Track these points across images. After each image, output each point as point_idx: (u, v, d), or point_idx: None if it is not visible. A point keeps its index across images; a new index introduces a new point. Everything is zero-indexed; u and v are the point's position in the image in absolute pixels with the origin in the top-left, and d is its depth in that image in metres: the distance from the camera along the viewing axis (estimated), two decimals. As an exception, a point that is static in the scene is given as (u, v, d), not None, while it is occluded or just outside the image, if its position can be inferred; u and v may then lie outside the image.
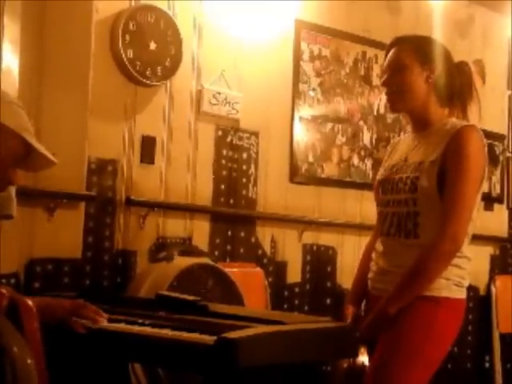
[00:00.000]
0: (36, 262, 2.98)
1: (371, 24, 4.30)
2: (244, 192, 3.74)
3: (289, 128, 3.94)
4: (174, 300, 2.39)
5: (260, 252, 3.80)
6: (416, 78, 2.39)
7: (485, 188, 2.40)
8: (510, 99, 5.25)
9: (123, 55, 3.20)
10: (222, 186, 3.64)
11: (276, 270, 3.86)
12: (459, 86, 2.44)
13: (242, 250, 3.71)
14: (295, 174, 3.95)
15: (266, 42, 3.82)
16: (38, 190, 2.95)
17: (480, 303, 4.90)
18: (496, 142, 5.04)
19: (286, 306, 3.88)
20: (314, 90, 4.04)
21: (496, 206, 5.10)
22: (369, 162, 4.30)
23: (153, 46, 3.31)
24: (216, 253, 3.58)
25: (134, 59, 3.24)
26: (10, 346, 1.58)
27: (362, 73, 4.29)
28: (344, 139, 4.19)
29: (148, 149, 3.35)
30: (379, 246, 2.47)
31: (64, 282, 3.05)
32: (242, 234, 3.72)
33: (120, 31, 3.19)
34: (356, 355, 2.39)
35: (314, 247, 4.04)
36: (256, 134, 3.79)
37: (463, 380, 4.82)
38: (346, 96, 4.20)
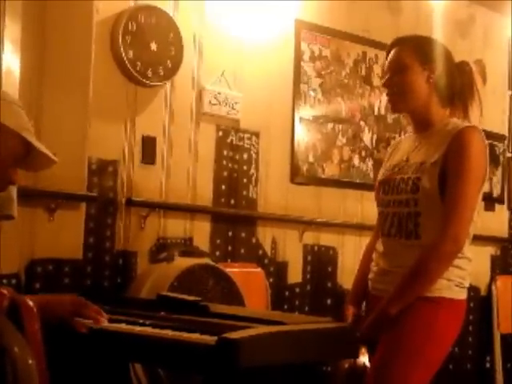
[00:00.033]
0: (37, 262, 2.98)
1: (371, 24, 4.30)
2: (245, 192, 3.74)
3: (289, 128, 3.94)
4: (175, 300, 2.39)
5: (261, 252, 3.80)
6: (417, 78, 2.39)
7: (485, 188, 2.40)
8: (511, 99, 5.25)
9: (124, 55, 3.20)
10: (223, 187, 3.64)
11: (277, 270, 3.86)
12: (460, 85, 2.44)
13: (242, 251, 3.71)
14: (296, 175, 3.95)
15: (267, 42, 3.82)
16: (39, 191, 2.95)
17: (481, 304, 4.90)
18: (496, 143, 5.04)
19: (286, 307, 3.87)
20: (314, 90, 4.04)
21: (497, 206, 5.10)
22: (369, 163, 4.30)
23: (153, 46, 3.31)
24: (217, 253, 3.58)
25: (135, 59, 3.24)
26: (10, 346, 1.58)
27: (363, 73, 4.29)
28: (344, 139, 4.19)
29: (149, 149, 3.35)
30: (380, 247, 2.47)
31: (65, 282, 3.05)
32: (243, 235, 3.72)
33: (120, 32, 3.19)
34: (357, 356, 2.39)
35: (315, 247, 4.04)
36: (256, 135, 3.79)
37: (464, 380, 4.82)
38: (346, 96, 4.20)
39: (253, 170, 3.77)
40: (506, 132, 5.19)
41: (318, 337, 2.10)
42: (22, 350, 1.61)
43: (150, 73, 3.29)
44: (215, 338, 1.84)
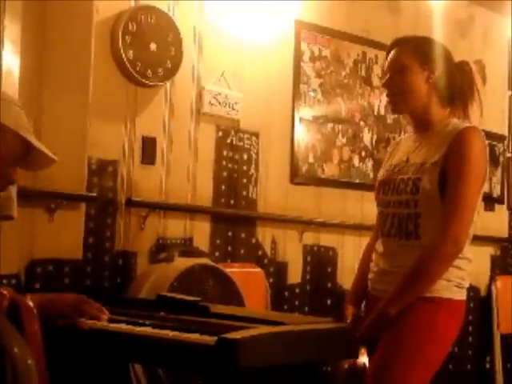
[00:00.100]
0: (37, 262, 2.98)
1: (371, 24, 4.30)
2: (244, 193, 3.74)
3: (289, 128, 3.94)
4: (175, 301, 2.39)
5: (260, 253, 3.80)
6: (416, 78, 2.39)
7: (485, 188, 2.40)
8: (510, 100, 5.25)
9: (123, 56, 3.20)
10: (223, 187, 3.64)
11: (276, 270, 3.86)
12: (460, 85, 2.44)
13: (242, 251, 3.71)
14: (295, 175, 3.95)
15: (267, 42, 3.82)
16: (39, 191, 2.95)
17: (481, 304, 4.90)
18: (496, 143, 5.04)
19: (286, 307, 3.87)
20: (314, 90, 4.04)
21: (496, 206, 5.10)
22: (369, 163, 4.29)
23: (153, 46, 3.31)
24: (216, 253, 3.58)
25: (135, 60, 3.24)
26: (10, 346, 1.58)
27: (363, 73, 4.29)
28: (344, 140, 4.19)
29: (148, 149, 3.35)
30: (379, 247, 2.47)
31: (65, 282, 3.05)
32: (243, 235, 3.72)
33: (120, 32, 3.19)
34: (357, 356, 2.39)
35: (315, 248, 4.04)
36: (256, 135, 3.79)
37: (464, 381, 4.82)
38: (346, 96, 4.20)
39: (253, 171, 3.77)
40: (505, 132, 5.19)
41: (318, 337, 2.10)
42: (22, 350, 1.61)
43: (149, 73, 3.29)
44: (215, 338, 1.84)
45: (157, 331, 2.00)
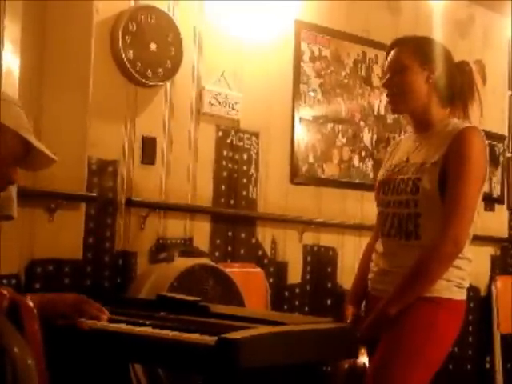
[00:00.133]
0: (37, 262, 2.98)
1: (371, 24, 4.30)
2: (244, 193, 3.74)
3: (289, 129, 3.94)
4: (175, 301, 2.39)
5: (260, 253, 3.80)
6: (416, 78, 2.39)
7: (485, 188, 2.40)
8: (510, 100, 5.25)
9: (123, 56, 3.20)
10: (223, 187, 3.64)
11: (276, 270, 3.86)
12: (460, 85, 2.44)
13: (242, 251, 3.71)
14: (295, 175, 3.95)
15: (267, 42, 3.82)
16: (39, 191, 2.95)
17: (481, 304, 4.90)
18: (496, 143, 5.04)
19: (286, 307, 3.87)
20: (314, 90, 4.04)
21: (496, 206, 5.10)
22: (369, 163, 4.29)
23: (153, 46, 3.31)
24: (216, 253, 3.58)
25: (135, 60, 3.24)
26: (10, 346, 1.58)
27: (363, 73, 4.29)
28: (344, 140, 4.19)
29: (148, 149, 3.35)
30: (379, 247, 2.47)
31: (65, 282, 3.05)
32: (243, 235, 3.72)
33: (120, 32, 3.19)
34: (357, 356, 2.39)
35: (315, 248, 4.04)
36: (256, 135, 3.79)
37: (464, 381, 4.82)
38: (346, 96, 4.20)
39: (253, 171, 3.77)
40: (505, 132, 5.19)
41: (318, 337, 2.10)
42: (22, 351, 1.61)
43: (149, 73, 3.29)
44: (215, 338, 1.84)
45: (157, 331, 2.00)
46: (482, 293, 4.95)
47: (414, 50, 2.41)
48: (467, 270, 2.36)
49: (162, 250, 3.35)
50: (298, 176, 3.96)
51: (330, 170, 4.11)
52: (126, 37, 3.22)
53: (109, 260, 3.21)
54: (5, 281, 2.79)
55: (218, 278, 3.18)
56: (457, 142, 2.29)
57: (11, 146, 1.81)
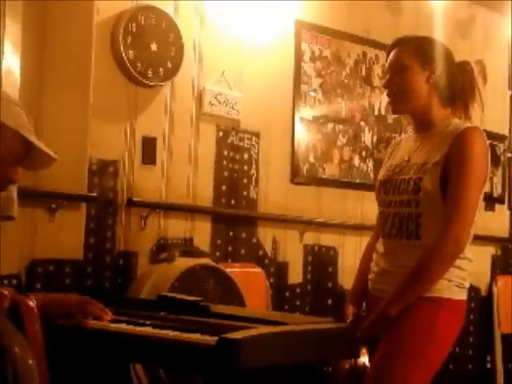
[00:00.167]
0: (37, 263, 2.98)
1: (372, 24, 4.30)
2: (245, 193, 3.74)
3: (290, 128, 3.94)
4: (176, 301, 2.39)
5: (261, 253, 3.80)
6: (417, 78, 2.39)
7: (486, 188, 2.40)
8: (511, 99, 5.25)
9: (124, 56, 3.20)
10: (223, 187, 3.64)
11: (277, 270, 3.86)
12: (461, 85, 2.44)
13: (243, 251, 3.71)
14: (296, 175, 3.95)
15: (267, 42, 3.82)
16: (39, 191, 2.95)
17: (481, 304, 4.90)
18: (497, 143, 5.04)
19: (287, 307, 3.87)
20: (314, 90, 4.05)
21: (497, 206, 5.10)
22: (370, 163, 4.29)
23: (154, 46, 3.31)
24: (217, 253, 3.58)
25: (135, 60, 3.24)
26: (11, 346, 1.58)
27: (363, 73, 4.29)
28: (345, 140, 4.19)
29: (149, 149, 3.35)
30: (380, 247, 2.46)
31: (65, 283, 3.05)
32: (243, 235, 3.72)
33: (121, 32, 3.19)
34: (357, 356, 2.39)
35: (315, 248, 4.04)
36: (257, 135, 3.79)
37: (465, 380, 4.82)
38: (346, 96, 4.20)
39: (253, 171, 3.77)
40: (506, 132, 5.19)
41: (319, 337, 2.10)
42: (23, 351, 1.61)
43: (150, 73, 3.29)
44: (216, 338, 1.84)
45: (157, 331, 2.00)
46: (483, 293, 4.94)
47: (414, 50, 2.41)
48: (468, 270, 2.36)
49: (162, 250, 3.35)
50: (298, 176, 3.96)
51: (331, 170, 4.11)
52: (127, 37, 3.22)
53: (109, 260, 3.22)
54: (5, 281, 2.80)
55: (218, 278, 3.18)
56: (458, 143, 2.29)
57: (12, 146, 1.81)
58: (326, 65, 4.10)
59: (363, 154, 4.27)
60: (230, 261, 3.63)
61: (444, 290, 2.30)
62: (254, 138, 3.77)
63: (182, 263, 3.18)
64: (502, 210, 5.15)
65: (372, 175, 4.22)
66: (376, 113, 4.35)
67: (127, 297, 3.09)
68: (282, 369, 2.08)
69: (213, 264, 3.25)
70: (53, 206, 3.00)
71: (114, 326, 2.05)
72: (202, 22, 3.57)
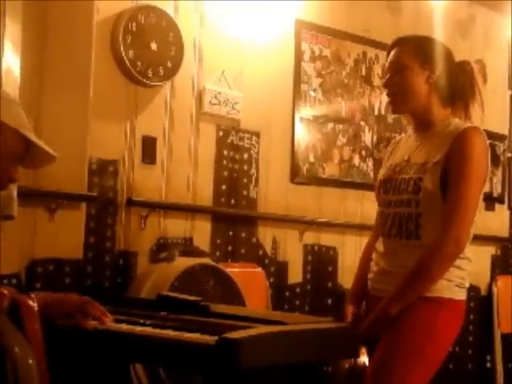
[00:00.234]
0: (37, 262, 2.98)
1: (372, 24, 4.30)
2: (245, 192, 3.74)
3: (290, 128, 3.94)
4: (175, 300, 2.39)
5: (261, 252, 3.80)
6: (416, 78, 2.39)
7: (486, 188, 2.40)
8: (511, 99, 5.25)
9: (124, 55, 3.20)
10: (223, 187, 3.64)
11: (277, 270, 3.86)
12: (461, 85, 2.43)
13: (243, 251, 3.71)
14: (296, 175, 3.95)
15: (267, 42, 3.82)
16: (39, 191, 2.95)
17: (481, 303, 4.90)
18: (497, 142, 5.04)
19: (287, 307, 3.87)
20: (314, 90, 4.05)
21: (497, 206, 5.10)
22: (370, 163, 4.30)
23: (154, 46, 3.31)
24: (217, 253, 3.58)
25: (135, 59, 3.24)
26: (11, 346, 1.58)
27: (363, 73, 4.29)
28: (345, 139, 4.19)
29: (149, 149, 3.35)
30: (380, 247, 2.46)
31: (65, 282, 3.05)
32: (243, 235, 3.72)
33: (121, 31, 3.19)
34: (357, 356, 2.39)
35: (315, 247, 4.04)
36: (257, 134, 3.79)
37: (464, 380, 4.82)
38: (346, 96, 4.20)
39: (253, 170, 3.77)
40: (506, 132, 5.19)
41: (319, 337, 2.10)
42: (23, 350, 1.61)
43: (150, 73, 3.29)
44: (215, 337, 1.84)
45: (157, 331, 2.00)
46: (483, 292, 4.95)
47: (414, 49, 2.41)
48: (468, 270, 2.36)
49: (162, 249, 3.35)
50: (298, 176, 3.96)
51: (331, 170, 4.11)
52: (127, 36, 3.22)
53: (109, 260, 3.22)
54: (5, 280, 2.80)
55: (218, 278, 3.18)
56: (458, 142, 2.29)
57: (12, 145, 1.81)
58: (326, 64, 4.10)
59: (363, 153, 4.27)
60: (229, 260, 3.63)
61: (444, 289, 2.30)
62: (253, 138, 3.77)
63: (182, 263, 3.18)
64: (501, 209, 5.15)
65: (372, 175, 4.22)
66: (376, 112, 4.35)
67: (127, 296, 3.09)
68: (282, 368, 2.08)
69: (213, 264, 3.25)
70: (53, 205, 3.00)
71: (113, 325, 2.05)
72: (202, 22, 3.57)
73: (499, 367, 4.88)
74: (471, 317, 4.73)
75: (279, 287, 3.86)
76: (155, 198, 3.37)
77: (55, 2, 3.01)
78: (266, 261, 3.81)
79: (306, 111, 4.00)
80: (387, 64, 2.48)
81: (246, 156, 3.74)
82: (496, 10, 5.02)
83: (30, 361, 1.61)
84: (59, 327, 1.97)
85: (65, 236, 3.05)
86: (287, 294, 3.91)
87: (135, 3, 3.31)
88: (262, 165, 3.81)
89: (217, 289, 3.15)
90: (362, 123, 4.28)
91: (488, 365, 4.94)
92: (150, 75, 3.29)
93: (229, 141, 3.67)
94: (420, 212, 2.32)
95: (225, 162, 3.65)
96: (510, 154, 5.20)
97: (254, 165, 3.77)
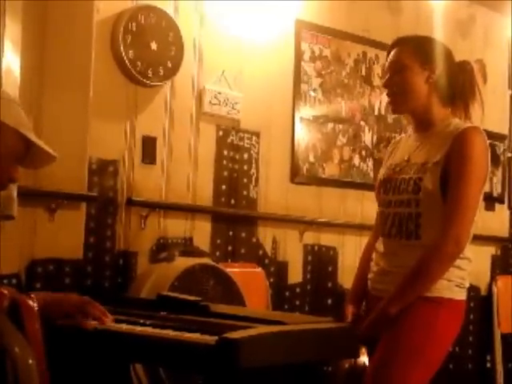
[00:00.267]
0: (37, 262, 2.98)
1: (372, 24, 4.30)
2: (245, 192, 3.74)
3: (290, 128, 3.94)
4: (175, 300, 2.39)
5: (261, 252, 3.80)
6: (416, 78, 2.39)
7: (486, 188, 2.40)
8: (511, 99, 5.25)
9: (124, 55, 3.20)
10: (223, 186, 3.64)
11: (277, 270, 3.86)
12: (461, 85, 2.43)
13: (243, 251, 3.71)
14: (296, 174, 3.95)
15: (267, 42, 3.82)
16: (39, 191, 2.95)
17: (481, 303, 4.90)
18: (497, 142, 5.04)
19: (286, 307, 3.87)
20: (314, 90, 4.05)
21: (497, 206, 5.10)
22: (370, 163, 4.29)
23: (154, 46, 3.31)
24: (217, 253, 3.58)
25: (135, 59, 3.24)
26: (11, 346, 1.58)
27: (363, 73, 4.29)
28: (345, 139, 4.19)
29: (149, 149, 3.35)
30: (380, 247, 2.46)
31: (65, 282, 3.05)
32: (243, 235, 3.72)
33: (121, 31, 3.19)
34: (357, 356, 2.39)
35: (315, 247, 4.04)
36: (257, 134, 3.79)
37: (464, 380, 4.82)
38: (346, 96, 4.20)
39: (253, 170, 3.77)
40: (506, 132, 5.19)
41: (319, 337, 2.10)
42: (23, 350, 1.61)
43: (150, 72, 3.29)
44: (215, 337, 1.84)
45: (157, 331, 2.00)
46: (483, 292, 4.95)
47: (414, 49, 2.41)
48: (467, 270, 2.36)
49: (162, 249, 3.35)
50: (298, 176, 3.96)
51: (331, 170, 4.11)
52: (127, 36, 3.22)
53: (109, 260, 3.22)
54: (5, 280, 2.80)
55: (218, 278, 3.18)
56: (458, 142, 2.29)
57: (12, 144, 1.81)
58: (326, 64, 4.10)
59: (363, 153, 4.27)
60: (229, 260, 3.63)
61: (444, 289, 2.30)
62: (253, 138, 3.77)
63: (182, 263, 3.18)
64: (501, 209, 5.15)
65: (372, 175, 4.22)
66: (376, 112, 4.35)
67: (127, 296, 3.09)
68: (282, 368, 2.08)
69: (213, 264, 3.25)
70: (53, 205, 3.00)
71: (113, 325, 2.05)
72: (202, 22, 3.57)
73: (499, 367, 4.88)
74: (471, 317, 4.73)
75: (279, 287, 3.86)
76: (155, 198, 3.37)
77: (55, 2, 3.01)
78: (266, 261, 3.81)
79: (306, 111, 4.00)
80: (387, 64, 2.48)
81: (246, 156, 3.74)
82: (496, 9, 5.02)
83: (30, 361, 1.61)
84: (59, 327, 1.97)
85: (65, 236, 3.05)
86: (287, 294, 3.91)
87: (135, 3, 3.31)
88: (262, 165, 3.81)
89: (217, 289, 3.15)
90: (362, 123, 4.28)
91: (488, 365, 4.94)
92: (150, 75, 3.29)
93: (229, 141, 3.67)
94: (420, 212, 2.32)
95: (225, 161, 3.65)
96: (510, 154, 5.20)
97: (253, 165, 3.77)
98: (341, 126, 4.17)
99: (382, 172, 2.52)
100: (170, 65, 3.36)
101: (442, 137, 2.35)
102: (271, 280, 3.79)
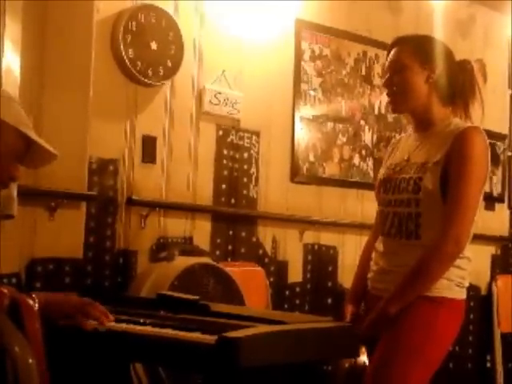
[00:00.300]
0: (37, 261, 2.98)
1: (372, 24, 4.30)
2: (245, 191, 3.74)
3: (290, 128, 3.94)
4: (175, 299, 2.39)
5: (261, 252, 3.80)
6: (416, 78, 2.38)
7: (486, 188, 2.40)
8: (511, 98, 5.25)
9: (124, 55, 3.20)
10: (223, 186, 3.64)
11: (277, 269, 3.86)
12: (461, 84, 2.43)
13: (243, 250, 3.71)
14: (296, 174, 3.95)
15: (267, 41, 3.82)
16: (39, 190, 2.95)
17: (481, 303, 4.90)
18: (497, 142, 5.04)
19: (286, 306, 3.88)
20: (314, 89, 4.05)
21: (497, 205, 5.10)
22: (370, 162, 4.30)
23: (154, 45, 3.31)
24: (217, 252, 3.58)
25: (135, 59, 3.24)
26: (11, 345, 1.58)
27: (363, 72, 4.29)
28: (345, 139, 4.19)
29: (149, 148, 3.35)
30: (380, 246, 2.46)
31: (65, 281, 3.05)
32: (243, 234, 3.72)
33: (121, 31, 3.19)
34: (357, 355, 2.39)
35: (315, 247, 4.04)
36: (257, 134, 3.79)
37: (464, 380, 4.82)
38: (346, 96, 4.20)
39: (253, 170, 3.77)
40: (506, 131, 5.19)
41: (319, 336, 2.10)
42: (23, 350, 1.61)
43: (150, 72, 3.29)
44: (215, 337, 1.84)
45: (157, 330, 2.00)
46: (483, 292, 4.95)
47: (414, 49, 2.41)
48: (467, 270, 2.36)
49: (162, 248, 3.36)
50: (298, 175, 3.96)
51: (331, 169, 4.11)
52: (127, 36, 3.22)
53: (109, 259, 3.22)
54: (5, 280, 2.80)
55: (218, 277, 3.18)
56: (459, 142, 2.29)
57: (12, 143, 1.81)
58: (326, 64, 4.10)
59: (363, 153, 4.27)
60: (229, 260, 3.64)
61: (444, 289, 2.30)
62: (253, 137, 3.77)
63: (182, 262, 3.18)
64: (501, 209, 5.15)
65: (372, 174, 4.22)
66: (376, 112, 4.35)
67: (127, 295, 3.09)
68: (282, 368, 2.08)
69: (212, 263, 3.25)
70: (53, 204, 3.00)
71: (113, 325, 2.05)
72: (202, 21, 3.57)
73: (499, 367, 4.88)
74: (471, 316, 4.73)
75: (279, 286, 3.86)
76: (155, 198, 3.37)
77: (55, 2, 3.01)
78: (266, 260, 3.81)
79: (306, 110, 4.00)
80: (387, 63, 2.47)
81: (246, 155, 3.74)
82: (496, 9, 5.02)
83: (30, 360, 1.61)
84: (59, 327, 1.97)
85: (65, 235, 3.05)
86: (287, 293, 3.91)
87: (135, 3, 3.31)
88: (262, 164, 3.81)
89: (217, 288, 3.15)
90: (362, 122, 4.28)
91: (488, 364, 4.94)
92: (150, 75, 3.29)
93: (229, 140, 3.67)
94: (420, 212, 2.32)
95: (225, 161, 3.65)
96: (510, 154, 5.20)
97: (254, 164, 3.77)
98: (341, 126, 4.17)
99: (382, 171, 2.51)
100: (170, 64, 3.36)
101: (442, 136, 2.35)
102: (271, 279, 3.79)
